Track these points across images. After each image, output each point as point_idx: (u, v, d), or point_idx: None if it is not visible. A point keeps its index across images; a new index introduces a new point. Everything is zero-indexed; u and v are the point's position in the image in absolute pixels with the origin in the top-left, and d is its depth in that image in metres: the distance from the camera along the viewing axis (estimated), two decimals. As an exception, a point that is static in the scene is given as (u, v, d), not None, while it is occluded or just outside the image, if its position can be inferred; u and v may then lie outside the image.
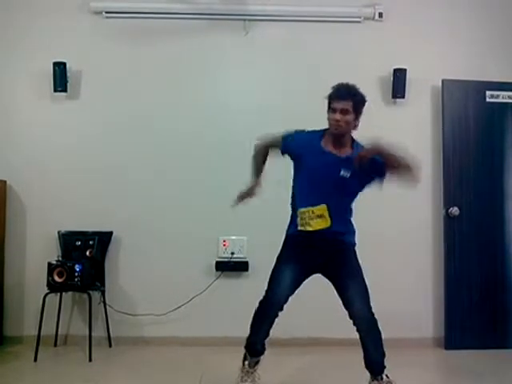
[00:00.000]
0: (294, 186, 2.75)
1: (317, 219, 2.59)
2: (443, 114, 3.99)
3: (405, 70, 3.99)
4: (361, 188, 2.70)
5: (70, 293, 3.82)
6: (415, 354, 3.76)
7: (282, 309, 2.68)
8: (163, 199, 3.99)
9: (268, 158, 2.85)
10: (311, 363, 3.50)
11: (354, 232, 2.75)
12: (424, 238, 4.04)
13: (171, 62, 4.06)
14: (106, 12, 4.02)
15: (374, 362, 2.69)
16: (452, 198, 3.95)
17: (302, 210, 2.63)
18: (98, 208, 3.96)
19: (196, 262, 3.95)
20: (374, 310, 2.68)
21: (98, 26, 4.04)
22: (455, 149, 3.98)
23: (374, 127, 4.04)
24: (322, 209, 2.58)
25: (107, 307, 3.86)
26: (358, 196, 2.74)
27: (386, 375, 2.69)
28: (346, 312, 2.64)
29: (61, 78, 3.91)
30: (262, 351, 2.78)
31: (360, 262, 2.71)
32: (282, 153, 2.76)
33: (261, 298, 2.70)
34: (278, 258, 2.73)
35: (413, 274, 4.00)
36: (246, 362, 2.77)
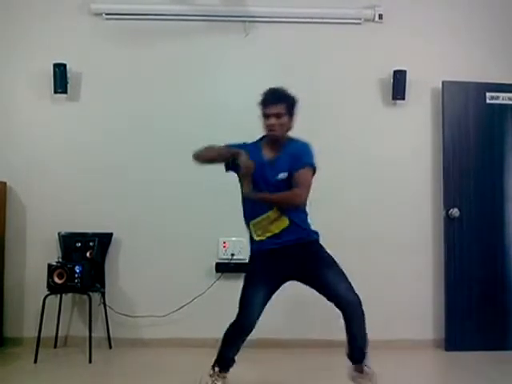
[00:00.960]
0: (242, 201, 2.72)
1: (274, 223, 2.60)
2: (443, 115, 3.99)
3: (405, 71, 3.99)
4: None
5: (70, 294, 3.82)
6: (416, 355, 3.76)
7: (253, 329, 2.67)
8: (163, 200, 3.99)
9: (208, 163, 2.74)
10: (312, 364, 3.50)
11: (310, 227, 2.72)
12: (424, 239, 4.04)
13: (171, 63, 4.07)
14: (106, 13, 4.02)
15: (358, 347, 2.68)
16: (452, 199, 3.95)
17: (256, 220, 2.63)
18: (98, 209, 3.97)
19: (196, 264, 3.95)
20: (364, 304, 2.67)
21: (99, 27, 4.05)
22: (455, 150, 3.99)
23: (374, 129, 4.10)
24: (274, 212, 2.58)
25: (107, 309, 3.86)
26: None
27: (366, 365, 2.69)
28: (332, 303, 2.63)
29: (61, 79, 3.92)
30: (232, 365, 2.77)
31: (331, 253, 2.69)
32: (229, 168, 2.70)
33: (234, 319, 2.68)
34: (246, 278, 2.72)
35: (413, 276, 4.00)
36: (216, 369, 2.73)
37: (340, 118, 4.05)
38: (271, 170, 2.61)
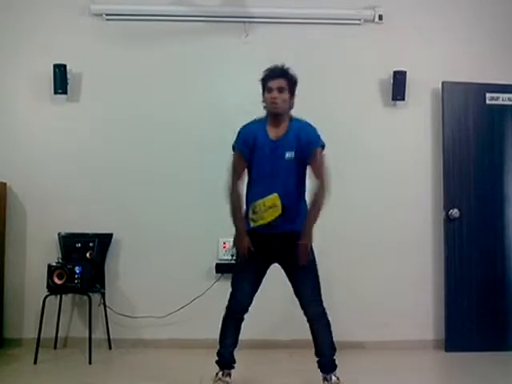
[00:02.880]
0: (248, 180, 2.77)
1: (268, 210, 2.63)
2: (443, 116, 3.99)
3: (405, 72, 3.99)
4: (305, 171, 2.73)
5: (69, 295, 3.82)
6: (416, 356, 3.76)
7: (247, 311, 2.74)
8: (163, 201, 3.99)
9: (241, 196, 2.76)
10: (312, 365, 3.50)
11: (304, 215, 2.72)
12: (424, 240, 4.04)
13: (171, 64, 4.07)
14: (107, 14, 4.03)
15: (323, 354, 2.70)
16: (452, 200, 3.95)
17: (254, 203, 2.66)
18: (98, 210, 3.97)
19: (196, 264, 3.95)
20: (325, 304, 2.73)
21: (99, 28, 4.05)
22: (455, 151, 3.99)
23: (373, 129, 4.10)
24: (273, 198, 2.62)
25: (107, 309, 3.86)
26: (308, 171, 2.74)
27: (337, 377, 2.69)
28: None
29: (61, 80, 3.92)
30: (231, 362, 2.80)
31: (315, 252, 2.73)
32: (249, 162, 2.73)
33: (226, 306, 2.76)
34: (234, 265, 2.79)
35: (413, 276, 4.00)
36: (220, 373, 2.80)
37: (340, 119, 4.04)
38: (277, 150, 2.64)
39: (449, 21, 4.13)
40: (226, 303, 2.80)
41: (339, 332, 3.88)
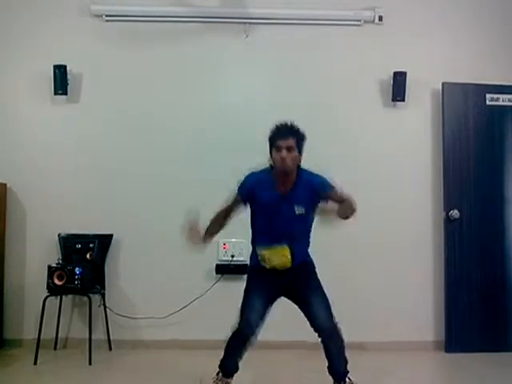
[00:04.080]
0: (251, 224, 2.80)
1: (281, 258, 2.66)
2: (443, 116, 3.99)
3: (405, 73, 3.99)
4: (314, 217, 2.76)
5: (69, 296, 3.81)
6: (416, 357, 3.76)
7: (255, 336, 2.69)
8: (163, 202, 3.99)
9: (226, 222, 2.84)
10: (312, 366, 3.50)
11: (309, 256, 2.82)
12: (424, 241, 4.04)
13: (171, 65, 4.07)
14: (107, 15, 4.03)
15: (336, 371, 2.73)
16: (452, 201, 3.95)
17: (263, 251, 2.69)
18: (98, 211, 3.97)
19: (196, 265, 3.95)
20: (337, 319, 2.70)
21: (99, 29, 4.05)
22: (455, 152, 3.98)
23: (373, 130, 4.10)
24: (283, 250, 2.65)
25: (107, 310, 3.86)
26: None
27: (349, 378, 2.72)
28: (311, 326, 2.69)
29: (61, 80, 3.92)
30: (234, 372, 2.80)
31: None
32: (245, 202, 2.78)
33: (234, 328, 2.71)
34: (246, 290, 2.78)
35: (413, 277, 4.00)
36: (220, 374, 2.79)
37: (340, 119, 4.05)
38: (286, 205, 2.64)
39: (449, 22, 4.13)
40: (236, 327, 2.71)
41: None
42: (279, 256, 2.65)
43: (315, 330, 2.66)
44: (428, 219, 4.06)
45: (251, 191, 2.73)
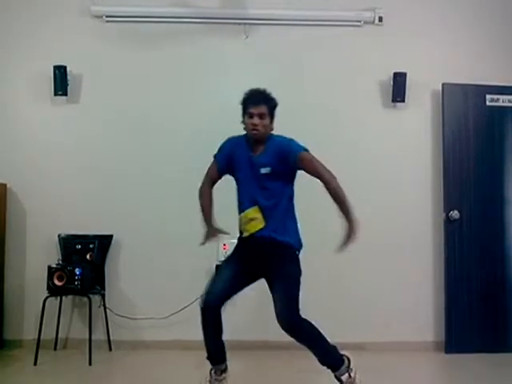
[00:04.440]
0: (236, 194, 2.81)
1: (251, 222, 2.64)
2: (443, 117, 4.00)
3: (405, 73, 3.99)
4: (288, 187, 2.72)
5: (69, 296, 3.81)
6: (416, 358, 3.76)
7: (218, 310, 2.64)
8: (163, 203, 3.99)
9: (208, 196, 2.84)
10: (312, 366, 3.50)
11: (294, 232, 2.72)
12: (424, 242, 4.04)
13: (171, 65, 4.07)
14: (107, 16, 4.03)
15: (321, 362, 2.69)
16: (452, 201, 3.95)
17: (240, 216, 2.70)
18: (98, 211, 3.97)
19: (196, 266, 3.94)
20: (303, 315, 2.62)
21: (99, 29, 4.05)
22: (455, 152, 3.99)
23: (373, 131, 4.10)
24: (253, 211, 2.64)
25: (107, 311, 3.86)
26: (293, 200, 2.74)
27: (350, 374, 2.66)
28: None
29: (61, 81, 3.92)
30: (221, 358, 2.74)
31: (301, 264, 2.67)
32: (221, 173, 2.80)
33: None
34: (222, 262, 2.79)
35: (413, 278, 4.00)
36: (213, 371, 2.74)
37: (340, 120, 4.05)
38: (255, 166, 2.66)
39: (449, 22, 4.14)
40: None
41: (339, 333, 3.87)
42: (252, 217, 2.63)
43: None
44: (428, 220, 4.06)
45: (228, 156, 2.77)
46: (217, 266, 2.76)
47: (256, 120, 2.64)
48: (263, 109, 2.65)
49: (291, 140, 2.69)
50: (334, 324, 3.91)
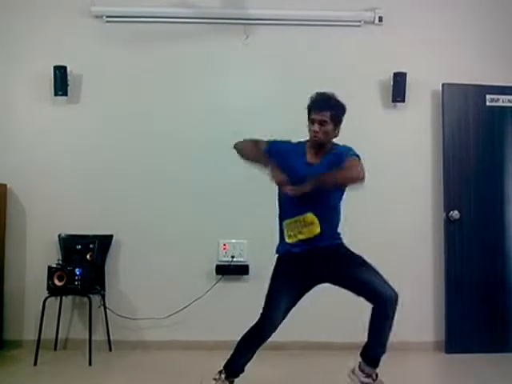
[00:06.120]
0: (279, 197, 2.72)
1: (308, 226, 2.57)
2: (443, 117, 4.00)
3: (405, 73, 3.99)
4: (340, 194, 2.71)
5: (70, 296, 3.81)
6: (416, 358, 3.76)
7: (275, 330, 2.63)
8: (163, 202, 3.99)
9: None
10: (312, 366, 3.50)
11: (340, 235, 2.76)
12: (424, 242, 4.04)
13: (172, 66, 4.07)
14: (107, 16, 4.03)
15: (374, 347, 2.67)
16: (452, 201, 3.95)
17: (290, 220, 2.62)
18: (98, 211, 3.97)
19: (196, 266, 3.95)
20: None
21: (99, 30, 4.05)
22: (455, 152, 3.99)
23: (373, 131, 4.10)
24: (311, 216, 2.57)
25: (107, 311, 3.86)
26: (342, 203, 2.74)
27: (376, 374, 2.68)
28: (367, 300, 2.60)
29: (61, 81, 3.92)
30: (241, 372, 2.73)
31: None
32: (267, 152, 2.66)
33: (255, 324, 2.65)
34: (271, 283, 2.68)
35: (413, 278, 4.00)
36: (223, 376, 2.70)
37: (340, 120, 4.05)
38: (311, 172, 2.56)
39: (449, 22, 4.13)
40: (256, 321, 2.65)
41: (339, 333, 3.89)
42: (306, 224, 2.56)
43: (372, 302, 2.56)
44: (428, 220, 4.06)
45: (280, 152, 2.65)
46: (272, 281, 2.68)
47: (316, 127, 2.59)
48: (325, 115, 2.59)
49: (350, 148, 2.64)
50: (334, 324, 3.94)
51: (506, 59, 4.11)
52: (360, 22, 4.07)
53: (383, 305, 2.56)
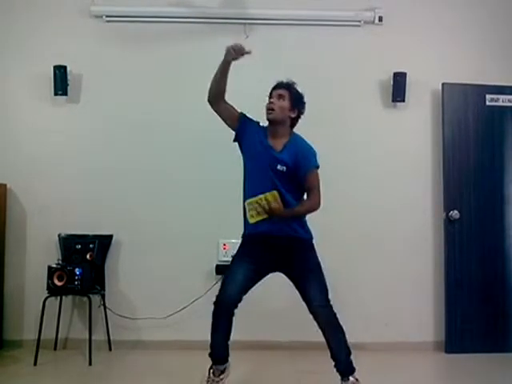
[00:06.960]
0: (243, 179, 2.77)
1: (272, 203, 2.57)
2: (443, 117, 4.00)
3: (405, 73, 3.99)
4: (300, 185, 2.71)
5: (69, 296, 3.81)
6: (416, 358, 3.76)
7: (235, 307, 2.65)
8: (163, 202, 4.00)
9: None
10: (312, 366, 3.50)
11: (305, 226, 2.75)
12: (424, 242, 4.04)
13: (172, 65, 4.07)
14: (107, 16, 4.03)
15: (338, 360, 2.69)
16: (452, 201, 3.95)
17: (252, 199, 2.61)
18: (98, 211, 3.97)
19: (196, 266, 3.95)
20: (335, 308, 2.71)
21: (99, 29, 4.05)
22: (455, 152, 3.99)
23: (373, 131, 4.10)
24: (274, 194, 2.57)
25: (107, 311, 3.86)
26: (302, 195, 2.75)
27: (356, 379, 2.68)
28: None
29: (61, 81, 3.92)
30: (223, 358, 2.73)
31: (319, 257, 2.74)
32: (236, 121, 2.80)
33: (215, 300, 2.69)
34: (232, 260, 2.77)
35: (413, 278, 4.00)
36: (211, 371, 2.73)
37: (340, 120, 4.05)
38: (273, 158, 2.65)
39: (449, 22, 4.13)
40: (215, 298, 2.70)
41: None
42: (268, 202, 2.56)
43: (311, 314, 2.65)
44: (428, 219, 4.06)
45: (248, 125, 2.76)
46: (232, 259, 2.73)
47: (273, 99, 2.65)
48: (283, 91, 2.67)
49: (311, 149, 2.69)
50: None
51: (506, 59, 4.11)
52: (360, 21, 4.07)
53: (313, 313, 2.64)
